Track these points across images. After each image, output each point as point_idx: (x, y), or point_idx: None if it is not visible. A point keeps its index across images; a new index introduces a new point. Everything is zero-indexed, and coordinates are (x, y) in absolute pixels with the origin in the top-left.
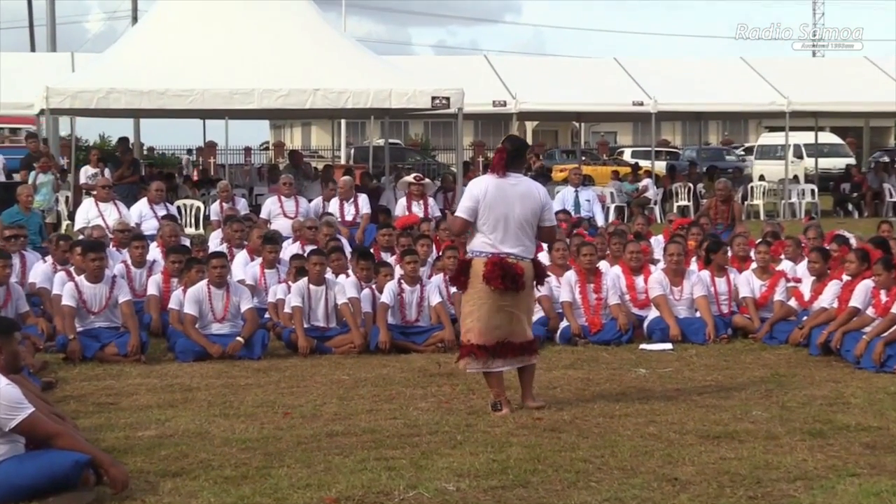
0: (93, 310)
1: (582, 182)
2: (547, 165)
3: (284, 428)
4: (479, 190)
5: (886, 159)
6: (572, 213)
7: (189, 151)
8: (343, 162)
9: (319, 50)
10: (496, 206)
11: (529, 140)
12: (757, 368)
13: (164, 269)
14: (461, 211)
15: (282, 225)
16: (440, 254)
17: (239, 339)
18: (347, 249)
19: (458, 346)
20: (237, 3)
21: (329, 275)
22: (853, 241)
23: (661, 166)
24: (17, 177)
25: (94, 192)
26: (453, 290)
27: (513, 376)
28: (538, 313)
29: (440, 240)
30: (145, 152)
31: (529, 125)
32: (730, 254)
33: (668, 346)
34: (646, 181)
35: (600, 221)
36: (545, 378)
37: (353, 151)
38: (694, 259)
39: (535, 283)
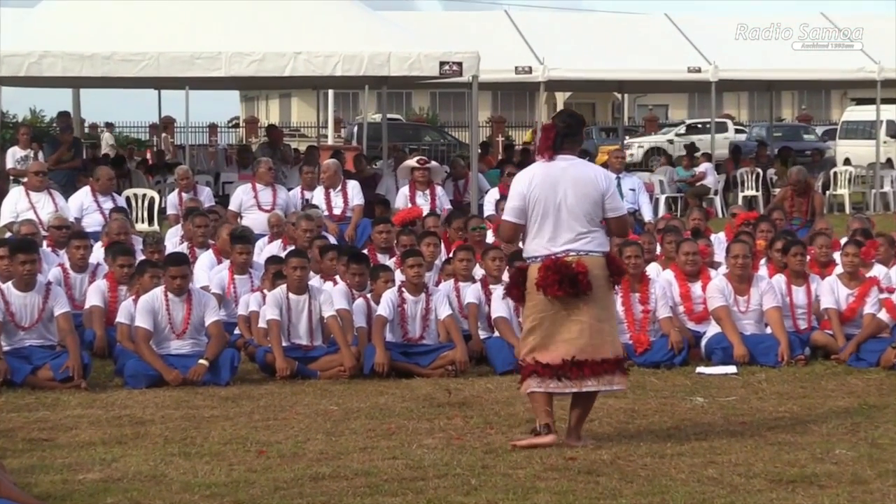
0: (22, 324)
1: (626, 167)
2: (584, 147)
3: (258, 470)
4: (524, 183)
5: None
6: None
7: (154, 127)
8: (330, 142)
9: (301, 4)
10: (544, 196)
11: None
12: (841, 397)
13: (109, 274)
14: (507, 213)
15: (256, 220)
16: (450, 255)
17: (202, 361)
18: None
19: (520, 369)
20: None
21: (314, 281)
22: None
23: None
24: None
25: (25, 180)
26: (466, 300)
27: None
28: None
29: (450, 238)
30: (87, 130)
31: (560, 97)
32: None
33: (732, 369)
34: (703, 166)
35: (647, 216)
36: (587, 416)
37: (355, 129)
38: (764, 262)
39: (611, 282)
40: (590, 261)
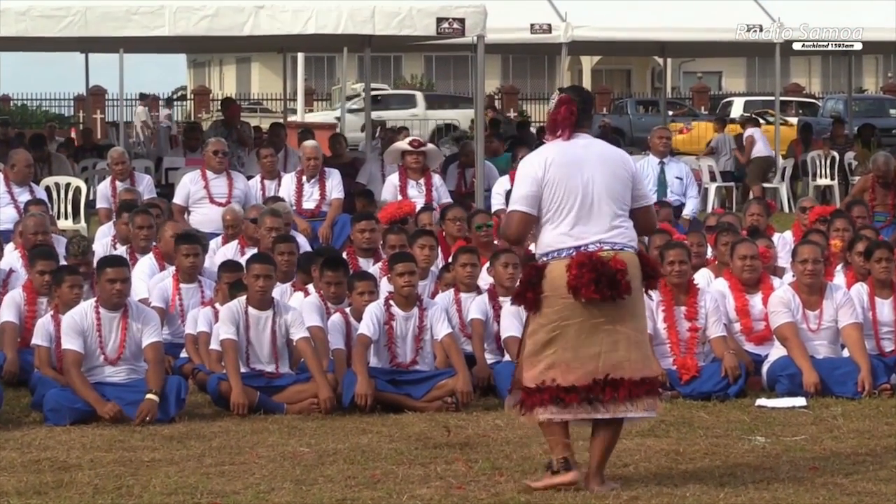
0: None
1: (670, 150)
2: (616, 125)
3: None
4: (537, 165)
5: None
6: (656, 198)
7: (80, 100)
8: (299, 119)
9: None
10: (567, 177)
11: (588, 85)
12: None
13: (26, 284)
14: (516, 202)
15: (207, 215)
16: (449, 259)
17: (151, 396)
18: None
19: (520, 394)
20: None
21: (281, 294)
22: None
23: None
24: None
25: None
26: (470, 315)
27: None
28: None
29: (450, 238)
30: None
31: (586, 62)
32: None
33: (801, 401)
34: (750, 130)
35: (687, 209)
36: (613, 450)
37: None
38: (840, 268)
39: (644, 285)
40: (625, 257)
